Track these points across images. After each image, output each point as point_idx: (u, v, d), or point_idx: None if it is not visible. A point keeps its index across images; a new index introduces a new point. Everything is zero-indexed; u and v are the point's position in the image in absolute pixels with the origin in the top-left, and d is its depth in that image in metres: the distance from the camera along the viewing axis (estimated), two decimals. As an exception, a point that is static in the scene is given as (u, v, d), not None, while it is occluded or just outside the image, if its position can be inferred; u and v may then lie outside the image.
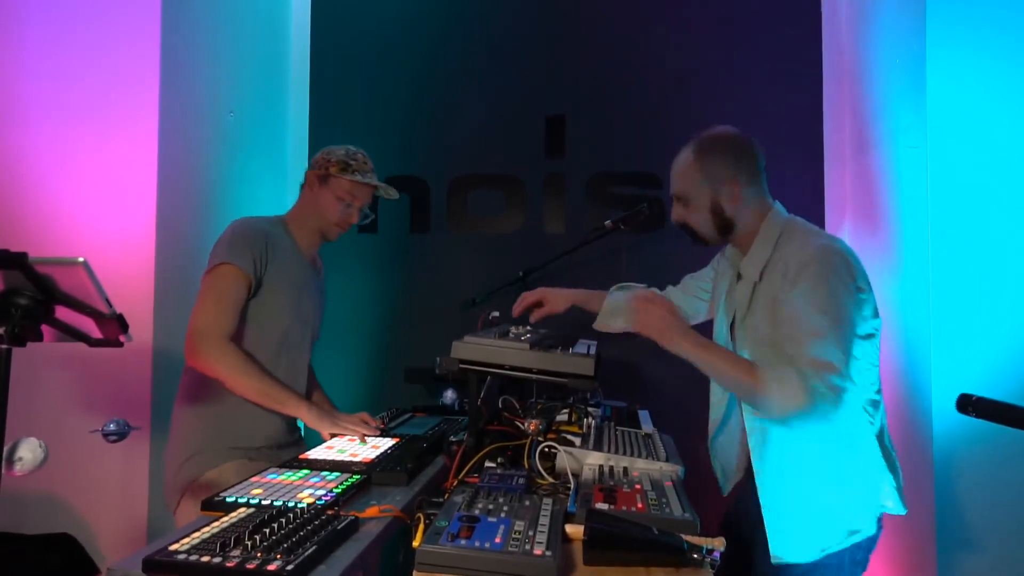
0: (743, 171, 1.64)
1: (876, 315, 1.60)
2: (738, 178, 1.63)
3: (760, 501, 1.61)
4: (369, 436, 1.83)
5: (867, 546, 1.60)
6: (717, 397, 1.85)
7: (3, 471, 1.06)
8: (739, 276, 1.72)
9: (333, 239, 2.06)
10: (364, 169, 1.99)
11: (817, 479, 1.58)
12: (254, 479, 1.43)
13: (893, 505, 1.61)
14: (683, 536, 1.15)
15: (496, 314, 2.34)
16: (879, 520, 1.60)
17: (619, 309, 2.00)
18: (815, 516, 1.58)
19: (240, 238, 1.86)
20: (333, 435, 1.83)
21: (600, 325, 2.04)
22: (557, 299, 2.03)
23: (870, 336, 1.59)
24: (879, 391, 1.63)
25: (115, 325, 1.17)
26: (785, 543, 1.57)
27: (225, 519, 1.15)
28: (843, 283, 1.51)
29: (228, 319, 1.80)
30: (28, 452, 1.08)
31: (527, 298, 2.02)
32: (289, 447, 1.95)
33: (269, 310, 1.90)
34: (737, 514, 1.79)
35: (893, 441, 1.66)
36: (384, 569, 1.33)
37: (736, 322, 1.71)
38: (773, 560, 1.57)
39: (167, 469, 1.88)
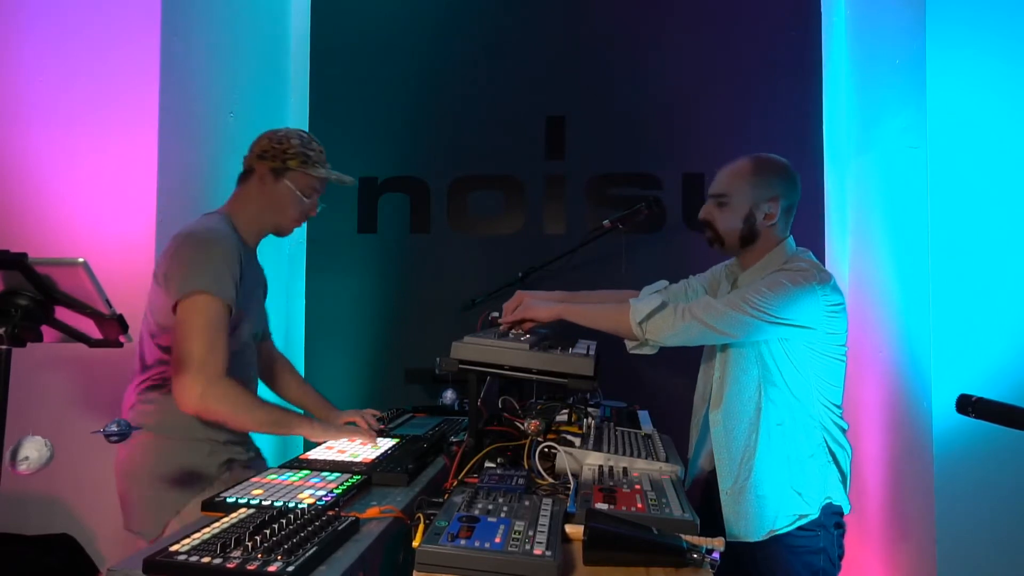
0: (786, 197, 1.77)
1: (844, 343, 1.72)
2: (780, 200, 1.76)
3: (720, 486, 1.75)
4: (377, 441, 1.80)
5: (815, 530, 1.71)
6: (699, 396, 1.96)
7: (7, 471, 1.06)
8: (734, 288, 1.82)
9: (287, 235, 1.91)
10: (322, 160, 1.85)
11: (771, 467, 1.72)
12: (254, 479, 1.43)
13: (838, 497, 1.73)
14: (683, 536, 1.16)
15: (496, 314, 2.34)
16: (824, 509, 1.71)
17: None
18: (766, 500, 1.71)
19: (216, 260, 1.66)
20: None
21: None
22: (538, 312, 1.92)
23: (835, 357, 1.72)
24: (839, 406, 1.75)
25: (115, 326, 1.17)
26: (740, 523, 1.71)
27: (225, 520, 1.15)
28: (810, 285, 1.65)
29: (221, 354, 1.63)
30: (34, 451, 1.07)
31: (508, 307, 1.97)
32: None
33: (238, 331, 1.77)
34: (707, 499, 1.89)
35: (851, 449, 1.78)
36: (384, 569, 1.33)
37: None
38: (728, 538, 1.66)
39: (141, 493, 1.71)
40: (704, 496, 1.90)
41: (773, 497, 1.71)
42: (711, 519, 1.74)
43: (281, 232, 1.89)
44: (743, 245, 1.79)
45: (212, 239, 1.70)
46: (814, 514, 1.70)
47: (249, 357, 1.88)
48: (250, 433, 1.88)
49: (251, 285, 1.83)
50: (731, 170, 1.80)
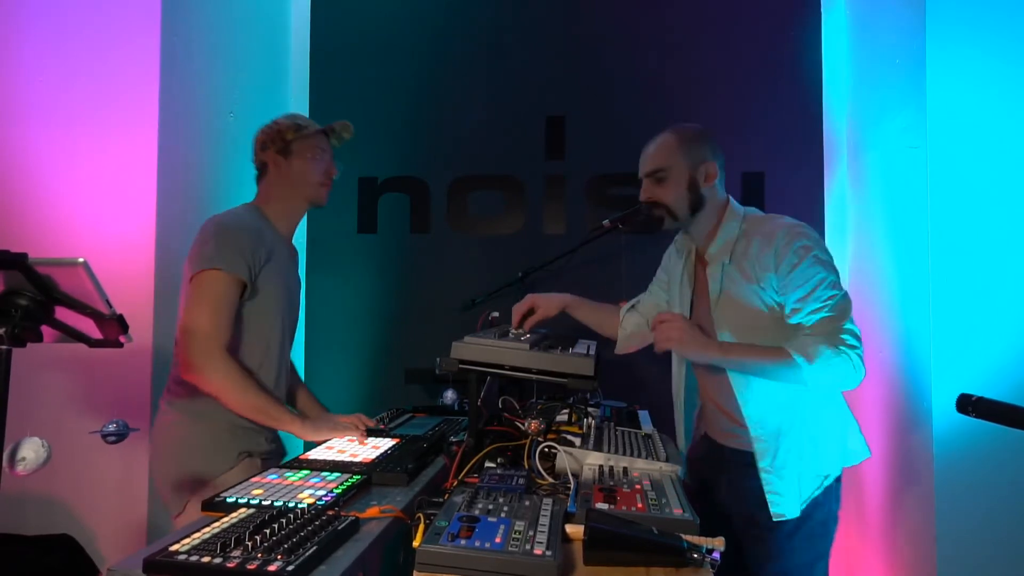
0: (716, 158, 1.83)
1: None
2: (715, 160, 1.81)
3: (760, 465, 1.73)
4: (367, 439, 1.81)
5: (837, 489, 1.77)
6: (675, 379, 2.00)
7: (6, 471, 1.06)
8: (705, 263, 1.84)
9: (324, 201, 1.98)
10: (311, 124, 1.96)
11: (800, 433, 1.73)
12: (254, 479, 1.43)
13: (859, 447, 1.80)
14: (683, 536, 1.15)
15: (496, 314, 2.34)
16: (840, 464, 1.78)
17: (638, 331, 2.13)
18: (801, 469, 1.73)
19: (230, 239, 1.75)
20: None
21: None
22: (548, 304, 2.05)
23: None
24: None
25: (115, 326, 1.17)
26: (784, 500, 1.71)
27: (225, 519, 1.15)
28: (824, 252, 1.69)
29: (224, 329, 1.72)
30: (31, 452, 1.08)
31: (518, 309, 2.05)
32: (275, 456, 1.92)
33: (261, 314, 1.82)
34: (717, 492, 1.88)
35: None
36: (384, 569, 1.33)
37: (712, 305, 1.80)
38: (775, 518, 1.70)
39: (168, 470, 1.81)
40: (710, 467, 1.90)
41: (805, 463, 1.73)
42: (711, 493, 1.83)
43: (316, 201, 1.97)
44: (695, 211, 1.82)
45: (229, 223, 1.80)
46: (836, 472, 1.76)
47: (283, 356, 1.93)
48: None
49: (281, 271, 1.89)
50: (657, 146, 1.84)
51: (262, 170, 1.95)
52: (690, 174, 1.80)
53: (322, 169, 1.94)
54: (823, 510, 1.75)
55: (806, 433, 1.74)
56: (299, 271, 2.11)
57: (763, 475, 1.73)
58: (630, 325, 2.15)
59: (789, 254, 1.66)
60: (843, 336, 1.61)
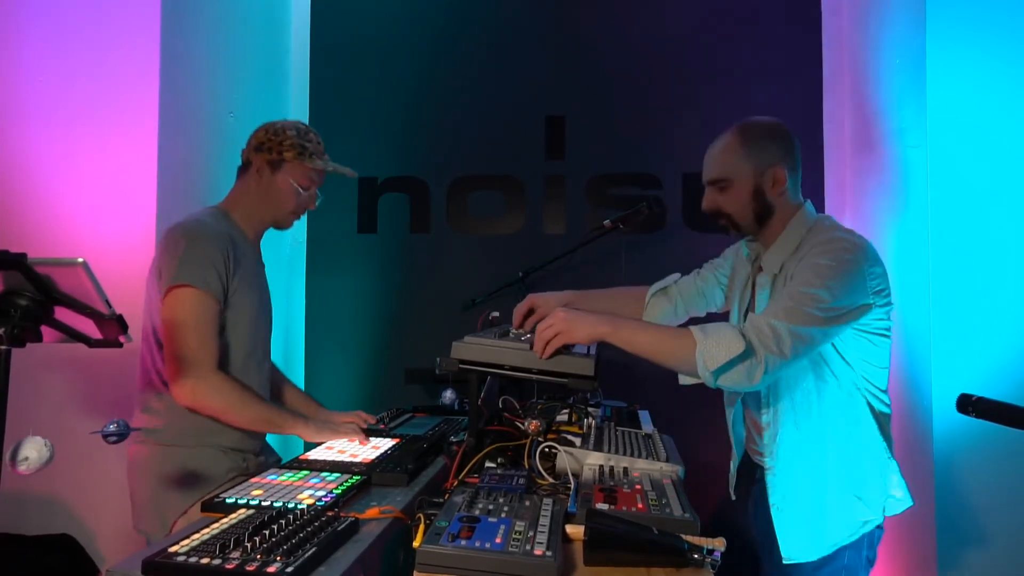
0: (787, 157, 1.61)
1: (889, 316, 1.58)
2: (784, 163, 1.60)
3: (770, 500, 1.59)
4: (369, 438, 1.81)
5: (877, 537, 1.59)
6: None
7: (7, 470, 1.06)
8: (760, 269, 1.68)
9: (287, 228, 1.90)
10: (319, 151, 1.82)
11: (827, 472, 1.57)
12: (254, 480, 1.43)
13: (901, 495, 1.59)
14: (683, 536, 1.15)
15: (496, 314, 2.34)
16: (883, 511, 1.59)
17: (665, 318, 1.96)
18: (825, 511, 1.56)
19: (197, 252, 1.65)
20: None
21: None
22: (547, 303, 1.95)
23: (883, 335, 1.56)
24: (886, 391, 1.62)
25: (115, 326, 1.17)
26: (796, 542, 1.56)
27: (225, 520, 1.15)
28: (856, 266, 1.47)
29: (213, 349, 1.66)
30: (33, 451, 1.07)
31: (519, 310, 1.97)
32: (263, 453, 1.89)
33: (237, 320, 1.76)
34: (744, 512, 1.78)
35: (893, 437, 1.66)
36: (384, 570, 1.33)
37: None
38: (785, 560, 1.56)
39: (149, 498, 1.72)
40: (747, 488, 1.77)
41: (833, 506, 1.55)
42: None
43: (280, 225, 1.88)
44: (762, 221, 1.62)
45: (197, 231, 1.70)
46: (878, 519, 1.56)
47: (262, 359, 1.88)
48: (266, 436, 1.89)
49: (251, 277, 1.81)
50: (719, 150, 1.63)
51: (245, 167, 1.85)
52: (755, 181, 1.59)
53: (301, 202, 1.83)
54: (852, 554, 1.56)
55: (838, 472, 1.56)
56: (265, 273, 2.00)
57: (773, 511, 1.58)
58: (656, 310, 1.96)
59: (818, 250, 1.49)
60: (777, 327, 1.40)
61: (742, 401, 1.76)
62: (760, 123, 1.65)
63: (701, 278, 1.98)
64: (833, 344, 1.53)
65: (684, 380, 1.56)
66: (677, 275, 2.01)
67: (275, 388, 2.08)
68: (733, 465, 1.83)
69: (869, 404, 1.59)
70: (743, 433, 1.79)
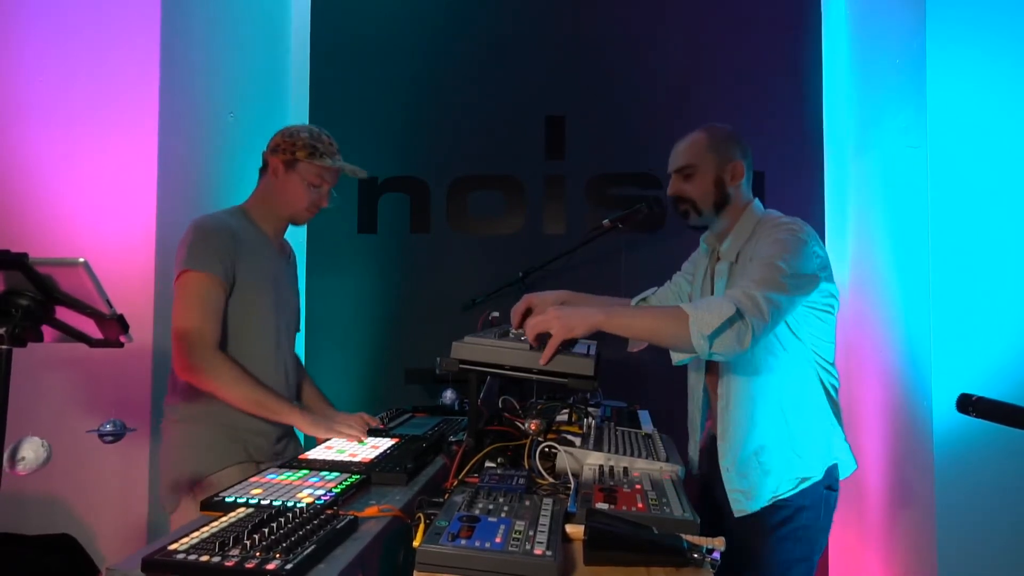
0: (745, 158, 1.85)
1: (832, 294, 1.75)
2: (743, 161, 1.83)
3: (720, 464, 1.77)
4: (367, 438, 1.82)
5: (832, 500, 1.76)
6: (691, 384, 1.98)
7: (6, 471, 1.06)
8: (718, 259, 1.86)
9: (302, 224, 2.03)
10: (331, 152, 1.94)
11: (772, 434, 1.74)
12: (253, 479, 1.43)
13: (844, 458, 1.78)
14: (683, 536, 1.15)
15: (496, 314, 2.34)
16: (829, 472, 1.75)
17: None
18: (767, 467, 1.73)
19: (201, 241, 1.79)
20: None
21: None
22: (543, 302, 2.03)
23: (827, 311, 1.75)
24: (833, 363, 1.79)
25: (115, 326, 1.17)
26: (741, 497, 1.73)
27: (224, 519, 1.15)
28: (805, 242, 1.66)
29: (213, 327, 1.77)
30: (31, 451, 1.08)
31: (517, 310, 2.03)
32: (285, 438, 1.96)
33: (249, 308, 1.85)
34: (706, 476, 1.93)
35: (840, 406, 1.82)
36: (384, 569, 1.33)
37: None
38: (736, 514, 1.72)
39: (166, 470, 1.85)
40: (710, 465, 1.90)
41: (777, 465, 1.72)
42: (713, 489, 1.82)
43: (296, 221, 2.01)
44: (719, 208, 1.83)
45: (204, 224, 1.83)
46: (817, 476, 1.72)
47: (284, 351, 1.96)
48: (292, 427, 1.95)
49: (263, 272, 1.90)
50: (689, 143, 1.86)
51: (264, 168, 1.98)
52: (717, 172, 1.82)
53: (313, 199, 1.94)
54: (805, 515, 1.72)
55: (781, 434, 1.73)
56: (295, 271, 2.13)
57: (723, 473, 1.75)
58: None
59: (770, 232, 1.69)
60: (754, 294, 1.51)
61: (705, 387, 1.93)
62: (724, 127, 1.89)
63: (675, 284, 2.14)
64: (785, 320, 1.68)
65: (676, 358, 1.68)
66: (655, 288, 2.17)
67: (297, 383, 2.12)
68: (692, 450, 1.99)
69: (819, 376, 1.76)
70: (704, 420, 1.97)
